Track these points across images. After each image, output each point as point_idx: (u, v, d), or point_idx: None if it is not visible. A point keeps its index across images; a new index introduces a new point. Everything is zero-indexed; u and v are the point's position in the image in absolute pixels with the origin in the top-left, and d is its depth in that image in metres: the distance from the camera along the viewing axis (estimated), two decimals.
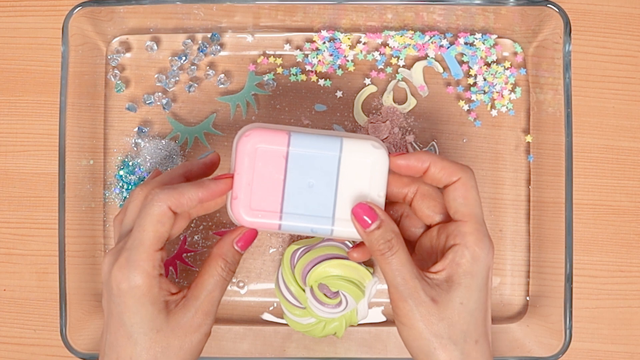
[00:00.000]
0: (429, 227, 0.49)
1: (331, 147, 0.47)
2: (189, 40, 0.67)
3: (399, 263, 0.44)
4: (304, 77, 0.67)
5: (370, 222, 0.45)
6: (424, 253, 0.49)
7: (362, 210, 0.45)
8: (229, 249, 0.47)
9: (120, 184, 0.66)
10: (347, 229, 0.47)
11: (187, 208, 0.45)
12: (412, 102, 0.67)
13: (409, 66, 0.68)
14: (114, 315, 0.45)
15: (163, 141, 0.66)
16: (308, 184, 0.46)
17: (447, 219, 0.48)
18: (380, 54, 0.67)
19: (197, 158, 0.50)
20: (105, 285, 0.45)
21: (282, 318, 0.66)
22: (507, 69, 0.67)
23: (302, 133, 0.47)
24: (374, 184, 0.47)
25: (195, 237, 0.67)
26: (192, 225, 0.67)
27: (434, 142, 0.67)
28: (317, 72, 0.67)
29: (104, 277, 0.45)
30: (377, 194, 0.47)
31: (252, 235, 0.48)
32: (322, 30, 0.67)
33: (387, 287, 0.46)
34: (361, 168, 0.47)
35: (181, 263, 0.66)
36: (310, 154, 0.46)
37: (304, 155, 0.46)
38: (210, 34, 0.67)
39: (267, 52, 0.68)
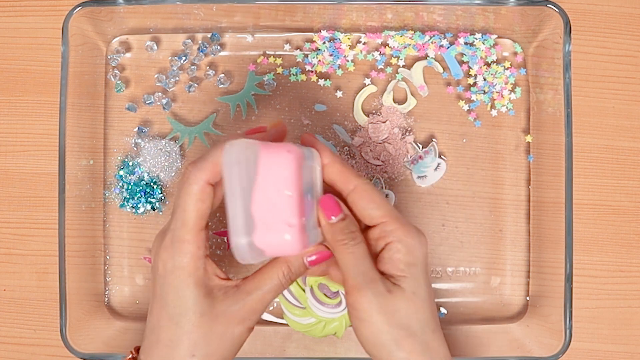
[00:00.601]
0: (367, 228, 0.48)
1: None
2: (189, 40, 0.67)
3: (361, 254, 0.44)
4: (304, 77, 0.67)
5: (334, 215, 0.45)
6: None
7: (328, 203, 0.45)
8: (298, 260, 0.46)
9: (120, 184, 0.66)
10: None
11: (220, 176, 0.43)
12: (412, 102, 0.67)
13: (409, 66, 0.68)
14: (158, 297, 0.44)
15: (163, 141, 0.66)
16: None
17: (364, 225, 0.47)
18: (380, 54, 0.67)
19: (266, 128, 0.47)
20: (152, 267, 0.45)
21: (282, 318, 0.66)
22: (507, 69, 0.67)
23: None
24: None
25: None
26: None
27: (434, 142, 0.67)
28: (317, 72, 0.67)
29: (152, 257, 0.45)
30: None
31: (326, 256, 0.46)
32: (322, 30, 0.67)
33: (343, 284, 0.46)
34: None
35: None
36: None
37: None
38: (210, 34, 0.67)
39: (267, 52, 0.68)
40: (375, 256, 0.46)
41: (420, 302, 0.44)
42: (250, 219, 0.42)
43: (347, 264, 0.44)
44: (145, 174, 0.66)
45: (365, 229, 0.47)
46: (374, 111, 0.67)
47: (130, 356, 0.47)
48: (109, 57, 0.67)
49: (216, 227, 0.67)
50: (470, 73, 0.67)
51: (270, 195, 0.42)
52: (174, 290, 0.43)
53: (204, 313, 0.43)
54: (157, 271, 0.44)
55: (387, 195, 0.66)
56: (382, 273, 0.45)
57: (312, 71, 0.67)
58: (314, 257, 0.46)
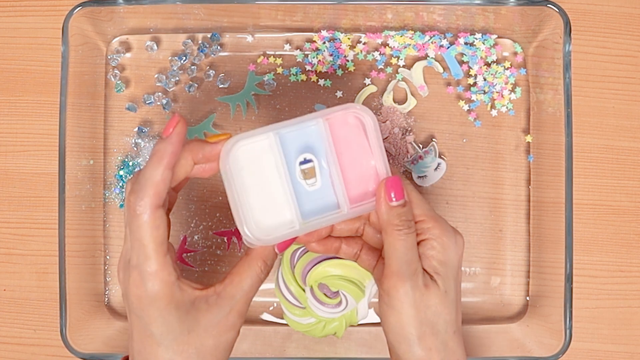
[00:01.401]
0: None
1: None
2: (189, 40, 0.67)
3: (411, 243, 0.44)
4: (304, 77, 0.67)
5: (396, 198, 0.44)
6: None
7: (393, 185, 0.45)
8: (270, 251, 0.46)
9: (120, 184, 0.66)
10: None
11: (165, 191, 0.42)
12: (412, 102, 0.67)
13: (409, 66, 0.68)
14: (139, 328, 0.43)
15: None
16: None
17: None
18: (380, 54, 0.67)
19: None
20: (125, 300, 0.44)
21: (282, 318, 0.66)
22: (507, 69, 0.67)
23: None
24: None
25: (195, 237, 0.67)
26: (191, 225, 0.67)
27: (434, 142, 0.67)
28: (317, 72, 0.67)
29: (123, 291, 0.44)
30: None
31: (292, 239, 0.46)
32: (322, 30, 0.67)
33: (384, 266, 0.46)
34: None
35: (181, 263, 0.66)
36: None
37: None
38: (210, 34, 0.67)
39: (267, 52, 0.68)
40: None
41: (449, 302, 0.45)
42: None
43: (396, 250, 0.44)
44: None
45: None
46: (374, 111, 0.67)
47: None
48: (109, 57, 0.67)
49: (216, 227, 0.67)
50: (470, 73, 0.67)
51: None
52: (156, 320, 0.42)
53: (192, 329, 0.43)
54: (133, 304, 0.43)
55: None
56: None
57: (312, 71, 0.67)
58: (281, 245, 0.46)
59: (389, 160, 0.66)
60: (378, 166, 0.45)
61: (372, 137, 0.45)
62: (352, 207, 0.45)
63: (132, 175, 0.49)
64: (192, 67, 0.67)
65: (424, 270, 0.45)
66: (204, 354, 0.43)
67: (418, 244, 0.45)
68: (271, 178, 0.44)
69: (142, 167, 0.66)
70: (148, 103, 0.67)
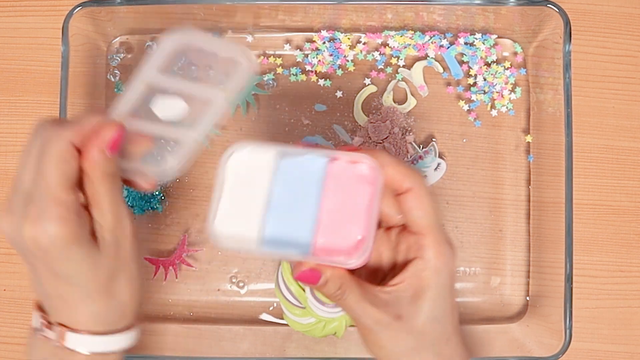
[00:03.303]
0: (386, 229, 0.48)
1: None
2: None
3: (354, 300, 0.44)
4: (304, 77, 0.67)
5: (317, 279, 0.44)
6: (384, 260, 0.47)
7: (305, 273, 0.44)
8: (101, 156, 0.41)
9: None
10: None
11: (81, 135, 0.41)
12: (412, 102, 0.67)
13: (409, 66, 0.68)
14: (44, 273, 0.42)
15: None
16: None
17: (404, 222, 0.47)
18: (380, 54, 0.67)
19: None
20: (17, 247, 0.41)
21: (282, 318, 0.66)
22: (507, 69, 0.67)
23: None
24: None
25: (195, 237, 0.67)
26: (191, 225, 0.67)
27: (434, 142, 0.67)
28: (317, 72, 0.67)
29: (11, 238, 0.41)
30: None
31: (120, 137, 0.42)
32: (322, 30, 0.67)
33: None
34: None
35: (181, 263, 0.66)
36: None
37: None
38: (210, 34, 0.67)
39: (267, 52, 0.68)
40: (402, 263, 0.46)
41: (432, 321, 0.44)
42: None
43: (348, 310, 0.45)
44: None
45: (401, 230, 0.46)
46: (374, 111, 0.67)
47: (42, 320, 0.45)
48: (109, 57, 0.67)
49: None
50: (470, 73, 0.67)
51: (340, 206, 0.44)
52: (60, 262, 0.41)
53: (101, 264, 0.43)
54: (29, 250, 0.41)
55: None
56: (399, 283, 0.44)
57: (312, 71, 0.67)
58: (110, 146, 0.42)
59: None
60: (362, 230, 0.43)
61: (370, 198, 0.43)
62: (315, 255, 0.43)
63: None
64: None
65: (404, 285, 0.44)
66: (123, 285, 0.44)
67: (411, 260, 0.44)
68: (255, 192, 0.44)
69: None
70: None
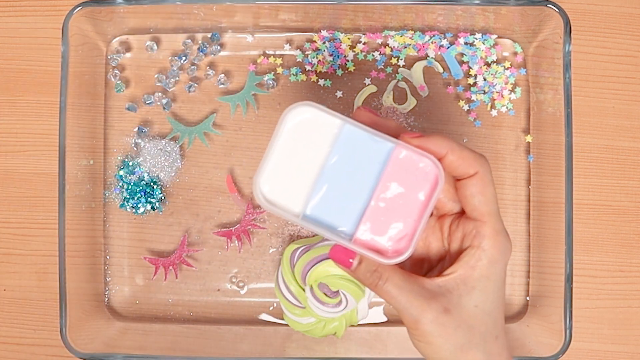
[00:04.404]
0: (438, 217, 0.46)
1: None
2: (189, 40, 0.67)
3: (395, 288, 0.42)
4: (304, 77, 0.67)
5: (351, 260, 0.42)
6: (432, 250, 0.46)
7: (339, 252, 0.43)
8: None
9: (120, 184, 0.66)
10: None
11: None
12: (412, 102, 0.67)
13: (409, 66, 0.68)
14: None
15: (163, 141, 0.66)
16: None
17: (460, 209, 0.45)
18: (380, 54, 0.67)
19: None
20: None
21: (282, 318, 0.66)
22: (507, 69, 0.67)
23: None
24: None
25: (195, 237, 0.67)
26: (191, 225, 0.67)
27: None
28: (317, 72, 0.67)
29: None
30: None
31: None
32: (322, 30, 0.67)
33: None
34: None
35: (181, 263, 0.66)
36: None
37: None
38: (210, 34, 0.67)
39: (267, 52, 0.68)
40: (453, 255, 0.44)
41: (482, 314, 0.43)
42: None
43: (389, 300, 0.43)
44: (145, 174, 0.66)
45: (456, 215, 0.45)
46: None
47: None
48: (109, 57, 0.67)
49: (216, 227, 0.67)
50: (470, 73, 0.67)
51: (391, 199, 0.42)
52: None
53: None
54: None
55: None
56: (451, 273, 0.43)
57: (312, 71, 0.67)
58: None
59: None
60: (410, 227, 0.42)
61: (426, 197, 0.41)
62: (356, 243, 0.42)
63: None
64: (192, 67, 0.67)
65: (455, 276, 0.43)
66: None
67: (466, 248, 0.43)
68: (309, 159, 0.42)
69: (141, 167, 0.66)
70: (148, 103, 0.67)
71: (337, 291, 0.61)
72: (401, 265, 0.43)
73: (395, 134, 0.42)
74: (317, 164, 0.41)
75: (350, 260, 0.43)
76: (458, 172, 0.43)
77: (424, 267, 0.45)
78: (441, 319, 0.42)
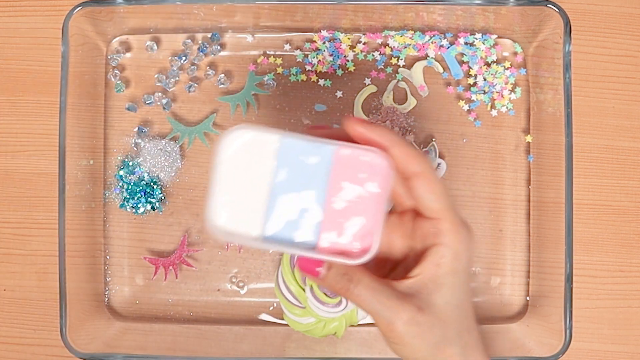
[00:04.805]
0: (399, 214, 0.46)
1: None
2: (189, 40, 0.67)
3: (367, 290, 0.42)
4: (304, 77, 0.67)
5: (318, 269, 0.42)
6: (394, 248, 0.45)
7: (305, 263, 0.42)
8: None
9: (120, 184, 0.66)
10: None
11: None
12: (412, 102, 0.67)
13: (409, 66, 0.68)
14: None
15: (163, 141, 0.66)
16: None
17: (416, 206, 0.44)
18: (380, 54, 0.67)
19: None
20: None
21: (282, 318, 0.66)
22: (507, 69, 0.67)
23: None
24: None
25: (195, 237, 0.67)
26: (192, 225, 0.67)
27: (434, 142, 0.67)
28: (317, 72, 0.67)
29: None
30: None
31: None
32: (322, 30, 0.67)
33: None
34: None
35: (181, 263, 0.66)
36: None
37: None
38: (210, 34, 0.67)
39: (267, 52, 0.68)
40: (417, 254, 0.44)
41: (452, 309, 0.43)
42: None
43: (361, 305, 0.42)
44: (145, 174, 0.66)
45: (415, 216, 0.44)
46: (374, 111, 0.67)
47: None
48: (109, 57, 0.67)
49: None
50: (470, 73, 0.67)
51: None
52: None
53: None
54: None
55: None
56: (418, 274, 0.43)
57: (312, 71, 0.67)
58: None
59: None
60: (370, 223, 0.41)
61: (379, 190, 0.41)
62: (323, 250, 0.41)
63: None
64: (192, 67, 0.67)
65: (423, 277, 0.43)
66: None
67: (428, 247, 0.43)
68: (255, 180, 0.41)
69: (141, 167, 0.66)
70: (148, 103, 0.67)
71: None
72: (365, 267, 0.42)
73: (388, 141, 0.42)
74: (265, 184, 0.41)
75: (318, 269, 0.42)
76: (401, 168, 0.43)
77: (387, 267, 0.45)
78: (416, 319, 0.42)
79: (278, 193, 0.41)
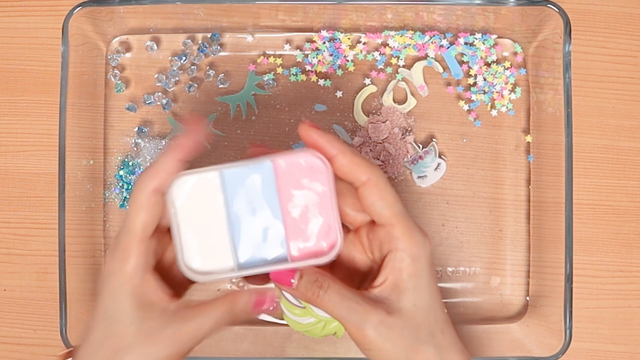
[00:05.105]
0: (355, 231, 0.47)
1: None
2: (189, 40, 0.67)
3: (337, 295, 0.42)
4: (304, 77, 0.67)
5: (291, 280, 0.43)
6: (358, 264, 0.46)
7: (279, 276, 0.43)
8: (243, 299, 0.45)
9: (120, 184, 0.66)
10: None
11: (168, 179, 0.42)
12: (412, 102, 0.67)
13: (409, 66, 0.68)
14: (98, 295, 0.43)
15: (163, 141, 0.66)
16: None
17: (371, 218, 0.45)
18: (380, 54, 0.67)
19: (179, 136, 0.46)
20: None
21: (282, 318, 0.66)
22: (507, 69, 0.67)
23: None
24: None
25: None
26: None
27: (434, 142, 0.67)
28: (317, 72, 0.67)
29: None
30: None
31: (272, 312, 0.45)
32: (322, 30, 0.67)
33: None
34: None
35: None
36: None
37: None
38: (210, 34, 0.67)
39: (267, 52, 0.68)
40: (378, 263, 0.45)
41: (422, 311, 0.43)
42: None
43: (332, 310, 0.43)
44: None
45: (369, 224, 0.45)
46: (374, 111, 0.67)
47: (70, 349, 0.47)
48: (109, 57, 0.67)
49: None
50: (470, 73, 0.67)
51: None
52: (110, 293, 0.42)
53: (133, 323, 0.42)
54: (102, 272, 0.43)
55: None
56: (382, 282, 0.43)
57: (312, 71, 0.67)
58: (261, 307, 0.45)
59: (388, 161, 0.66)
60: (328, 219, 0.43)
61: (324, 184, 0.43)
62: (296, 258, 0.43)
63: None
64: (192, 67, 0.67)
65: (387, 284, 0.43)
66: (134, 352, 0.42)
67: (386, 254, 0.43)
68: (213, 218, 0.43)
69: (141, 167, 0.66)
70: (148, 103, 0.67)
71: None
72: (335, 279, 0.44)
73: (335, 148, 0.43)
74: (222, 218, 0.43)
75: (292, 280, 0.43)
76: (349, 177, 0.44)
77: (356, 281, 0.46)
78: (386, 322, 0.42)
79: (237, 222, 0.43)
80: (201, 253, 0.43)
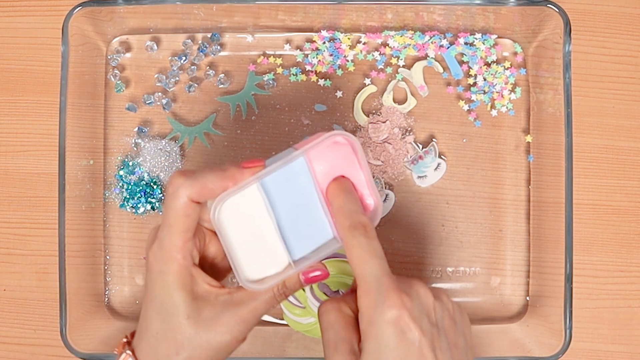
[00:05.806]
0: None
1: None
2: (189, 40, 0.67)
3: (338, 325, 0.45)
4: (304, 77, 0.67)
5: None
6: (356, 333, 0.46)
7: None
8: (294, 276, 0.45)
9: (120, 184, 0.66)
10: None
11: (210, 197, 0.44)
12: (412, 102, 0.67)
13: (409, 66, 0.68)
14: (149, 290, 0.45)
15: (163, 141, 0.66)
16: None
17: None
18: (380, 54, 0.67)
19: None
20: (146, 260, 0.46)
21: (282, 318, 0.66)
22: (507, 69, 0.67)
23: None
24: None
25: None
26: None
27: (434, 142, 0.67)
28: (317, 72, 0.67)
29: (146, 252, 0.46)
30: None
31: (321, 277, 0.46)
32: (322, 30, 0.67)
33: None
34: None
35: None
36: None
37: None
38: (210, 34, 0.67)
39: (267, 52, 0.68)
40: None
41: None
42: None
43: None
44: (145, 174, 0.66)
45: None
46: (374, 111, 0.67)
47: (125, 340, 0.48)
48: (109, 57, 0.67)
49: None
50: (470, 73, 0.67)
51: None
52: (162, 289, 0.44)
53: (191, 316, 0.44)
54: (148, 268, 0.45)
55: (386, 196, 0.66)
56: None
57: (312, 71, 0.67)
58: (307, 277, 0.46)
59: (388, 161, 0.66)
60: (361, 189, 0.46)
61: (358, 161, 0.45)
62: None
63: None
64: (192, 67, 0.67)
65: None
66: (195, 343, 0.44)
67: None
68: (261, 227, 0.44)
69: (141, 167, 0.66)
70: (148, 103, 0.67)
71: (337, 291, 0.61)
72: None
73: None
74: (270, 224, 0.44)
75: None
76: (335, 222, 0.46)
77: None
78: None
79: (284, 222, 0.44)
80: (257, 263, 0.45)
